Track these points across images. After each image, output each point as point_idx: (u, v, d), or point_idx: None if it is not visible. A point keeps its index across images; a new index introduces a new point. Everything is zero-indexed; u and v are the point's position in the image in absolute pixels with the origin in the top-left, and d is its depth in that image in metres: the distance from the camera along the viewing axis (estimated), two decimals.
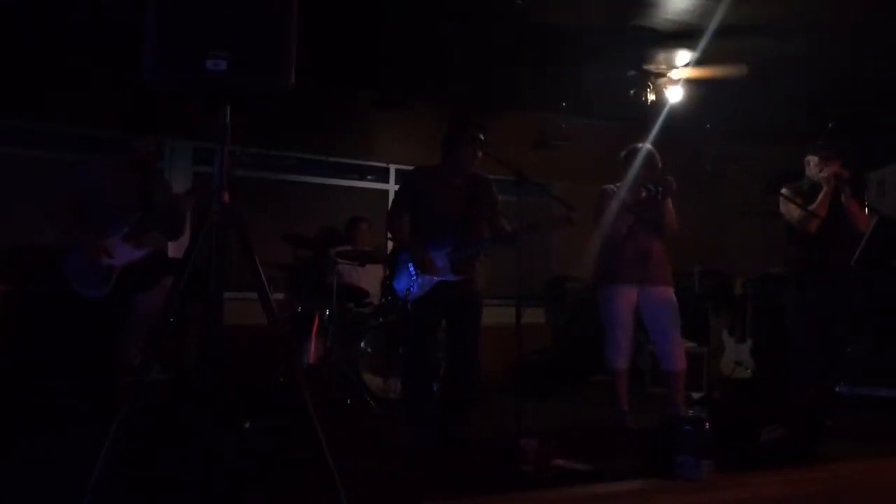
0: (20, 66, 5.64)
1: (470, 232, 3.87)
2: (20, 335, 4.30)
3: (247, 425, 3.04)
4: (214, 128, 2.16)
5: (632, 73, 5.94)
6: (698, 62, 5.76)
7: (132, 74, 2.33)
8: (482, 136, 3.84)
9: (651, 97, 6.07)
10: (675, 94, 6.07)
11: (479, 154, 3.85)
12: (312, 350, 5.30)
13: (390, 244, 6.22)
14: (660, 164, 4.27)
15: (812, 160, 4.46)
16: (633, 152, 4.31)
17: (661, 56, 5.81)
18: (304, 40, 2.16)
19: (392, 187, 7.19)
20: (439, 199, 3.86)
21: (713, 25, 5.22)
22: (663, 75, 6.00)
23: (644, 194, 4.15)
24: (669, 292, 4.23)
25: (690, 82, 6.04)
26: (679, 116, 6.29)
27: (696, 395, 5.02)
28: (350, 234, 5.92)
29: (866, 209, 4.89)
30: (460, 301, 3.82)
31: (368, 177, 7.27)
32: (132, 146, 4.07)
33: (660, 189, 4.12)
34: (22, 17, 5.33)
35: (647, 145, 4.34)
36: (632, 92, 6.13)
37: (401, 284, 3.90)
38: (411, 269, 3.83)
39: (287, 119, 6.45)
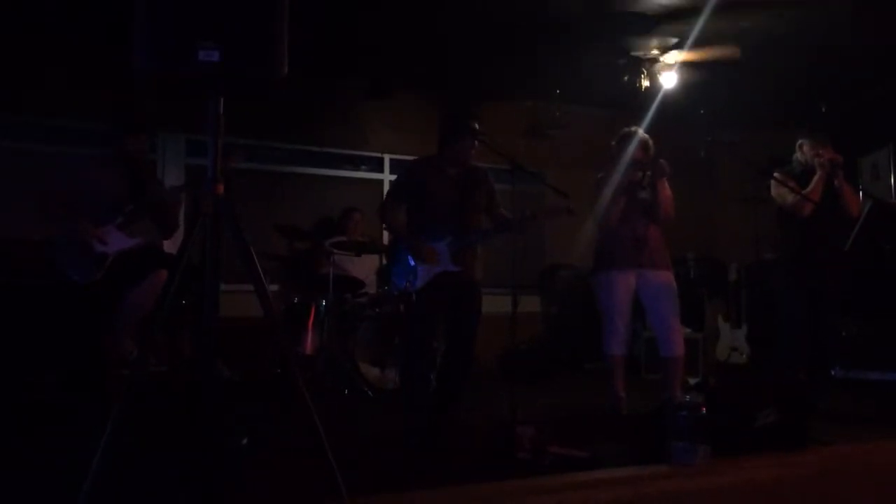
0: (9, 57, 5.61)
1: (467, 223, 3.87)
2: (10, 329, 4.29)
3: (244, 442, 3.05)
4: (207, 120, 2.15)
5: (623, 61, 5.94)
6: (691, 46, 5.76)
7: (124, 67, 2.32)
8: (477, 126, 3.83)
9: (645, 83, 6.07)
10: (669, 80, 6.07)
11: (476, 144, 3.85)
12: (309, 341, 5.31)
13: (387, 234, 6.26)
14: (652, 148, 4.27)
15: (805, 144, 4.46)
16: (626, 136, 4.30)
17: (655, 41, 5.80)
18: (295, 30, 2.15)
19: (387, 177, 7.19)
20: (436, 191, 3.85)
21: (706, 11, 5.22)
22: (657, 61, 6.00)
23: (638, 175, 4.15)
24: (669, 276, 4.22)
25: (684, 68, 6.04)
26: (673, 103, 6.29)
27: (691, 381, 5.05)
28: (343, 225, 5.93)
29: (860, 193, 4.90)
30: (460, 292, 3.82)
31: (363, 167, 7.26)
32: (123, 141, 4.06)
33: (648, 174, 4.12)
34: (12, 7, 5.30)
35: (639, 129, 4.33)
36: (625, 78, 6.12)
37: (401, 275, 3.90)
38: (411, 260, 3.83)
39: (280, 110, 6.44)
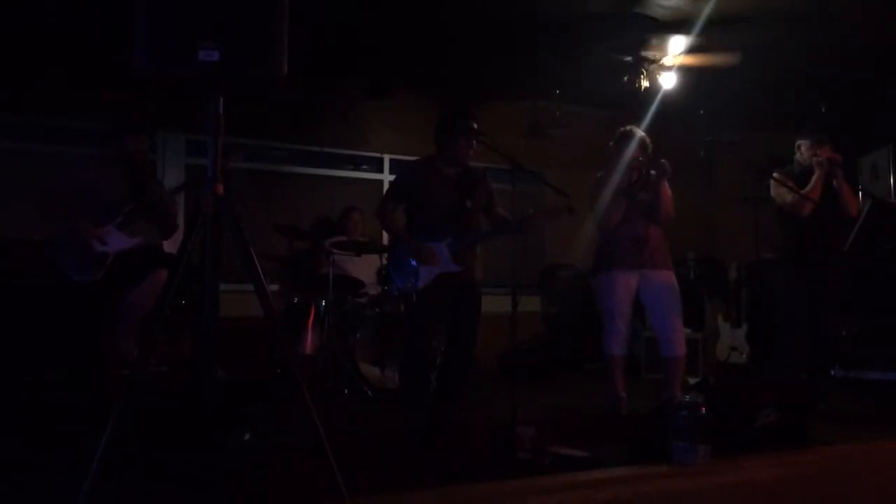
0: (10, 57, 5.61)
1: (467, 223, 3.87)
2: (10, 329, 4.29)
3: (247, 437, 3.04)
4: (207, 120, 2.15)
5: (623, 60, 5.94)
6: (691, 49, 5.76)
7: (124, 67, 2.32)
8: (475, 126, 3.82)
9: (644, 84, 6.07)
10: (668, 81, 6.07)
11: (475, 144, 3.84)
12: (309, 341, 5.31)
13: (386, 235, 6.24)
14: (650, 147, 4.26)
15: (803, 144, 4.47)
16: (624, 135, 4.30)
17: (655, 42, 5.80)
18: (295, 30, 2.15)
19: (387, 177, 7.19)
20: (434, 191, 3.85)
21: (706, 12, 5.22)
22: (657, 61, 6.00)
23: (636, 176, 4.14)
24: (670, 276, 4.22)
25: (684, 69, 6.05)
26: (673, 103, 6.29)
27: (691, 381, 5.05)
28: (343, 224, 5.93)
29: (859, 193, 4.90)
30: (461, 292, 3.82)
31: (363, 167, 7.26)
32: (123, 141, 4.06)
33: (652, 172, 4.12)
34: (12, 7, 5.30)
35: (636, 129, 4.32)
36: (625, 79, 6.12)
37: (402, 276, 3.90)
38: (412, 261, 3.82)
39: (280, 110, 6.44)
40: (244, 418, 3.38)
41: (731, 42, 5.60)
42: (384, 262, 5.86)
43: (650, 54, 5.93)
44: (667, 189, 4.20)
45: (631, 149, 4.21)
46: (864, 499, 2.88)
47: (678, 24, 5.53)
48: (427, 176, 3.89)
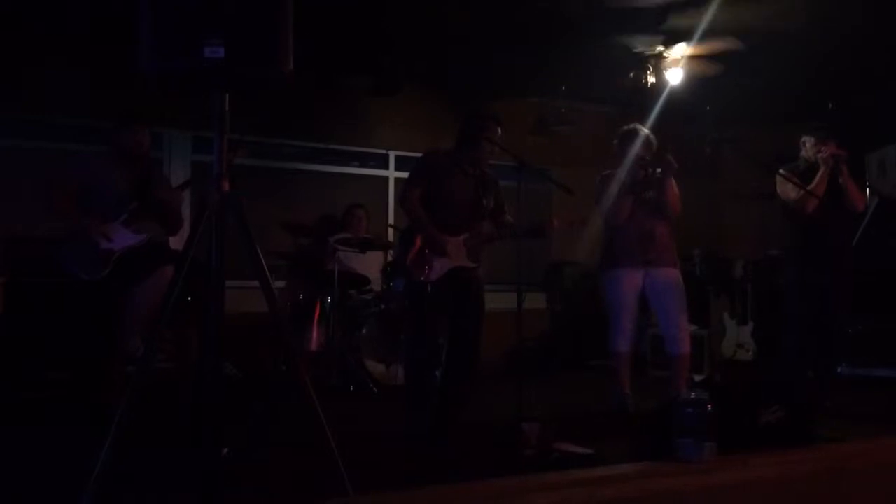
0: (14, 55, 5.62)
1: (479, 223, 3.88)
2: (19, 327, 4.31)
3: (225, 451, 3.01)
4: (212, 117, 2.15)
5: (631, 53, 5.92)
6: (693, 42, 5.74)
7: (129, 64, 2.32)
8: (500, 130, 3.82)
9: (651, 80, 6.05)
10: (674, 77, 6.04)
11: (497, 150, 3.84)
12: (314, 337, 5.32)
13: (392, 231, 6.25)
14: (655, 145, 4.25)
15: (808, 141, 4.45)
16: (628, 134, 4.29)
17: (660, 38, 5.78)
18: (301, 26, 2.15)
19: (392, 173, 7.18)
20: (454, 186, 3.84)
21: (711, 8, 5.21)
22: (663, 57, 5.98)
23: (643, 173, 4.14)
24: (675, 274, 4.22)
25: (690, 64, 6.02)
26: (679, 99, 6.27)
27: (697, 378, 5.04)
28: (347, 221, 5.93)
29: (867, 190, 4.89)
30: (468, 287, 3.83)
31: (368, 163, 7.25)
32: (124, 139, 4.07)
33: (657, 170, 4.11)
34: (13, 7, 5.30)
35: (639, 126, 4.31)
36: (631, 74, 6.10)
37: (411, 269, 3.89)
38: (427, 251, 3.82)
39: (285, 107, 6.43)
40: (226, 430, 3.35)
41: (738, 36, 5.57)
42: (389, 258, 5.87)
43: (656, 50, 5.91)
44: (673, 186, 4.19)
45: (635, 147, 4.21)
46: (872, 497, 2.87)
47: (682, 17, 5.50)
48: (448, 172, 3.88)
